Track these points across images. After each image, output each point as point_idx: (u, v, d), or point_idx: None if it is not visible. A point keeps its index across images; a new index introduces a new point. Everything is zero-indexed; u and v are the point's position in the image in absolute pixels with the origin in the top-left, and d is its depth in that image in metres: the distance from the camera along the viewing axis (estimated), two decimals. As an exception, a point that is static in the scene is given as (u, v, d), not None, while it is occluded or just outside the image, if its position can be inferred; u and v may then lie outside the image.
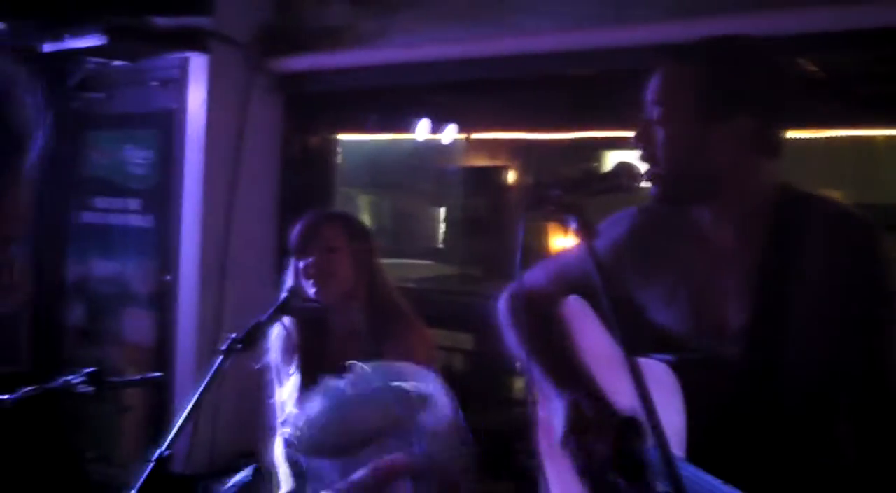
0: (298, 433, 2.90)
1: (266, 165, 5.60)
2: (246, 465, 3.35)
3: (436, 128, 6.50)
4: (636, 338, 2.01)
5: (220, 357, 2.84)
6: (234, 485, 3.22)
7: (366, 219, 9.89)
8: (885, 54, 3.86)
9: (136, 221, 5.83)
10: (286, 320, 3.32)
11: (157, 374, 4.21)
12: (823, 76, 4.17)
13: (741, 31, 2.35)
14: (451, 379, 3.05)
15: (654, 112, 2.30)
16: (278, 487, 3.24)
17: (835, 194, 2.41)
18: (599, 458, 2.45)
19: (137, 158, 5.82)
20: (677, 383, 2.18)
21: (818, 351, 2.21)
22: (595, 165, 7.39)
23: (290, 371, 3.48)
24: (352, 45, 5.16)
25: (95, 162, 6.07)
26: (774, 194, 2.30)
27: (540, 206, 2.10)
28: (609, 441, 2.42)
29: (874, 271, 2.20)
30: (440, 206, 10.38)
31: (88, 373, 3.12)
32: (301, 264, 3.40)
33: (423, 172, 9.82)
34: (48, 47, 5.25)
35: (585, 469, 2.48)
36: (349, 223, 3.53)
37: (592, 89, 5.03)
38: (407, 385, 2.83)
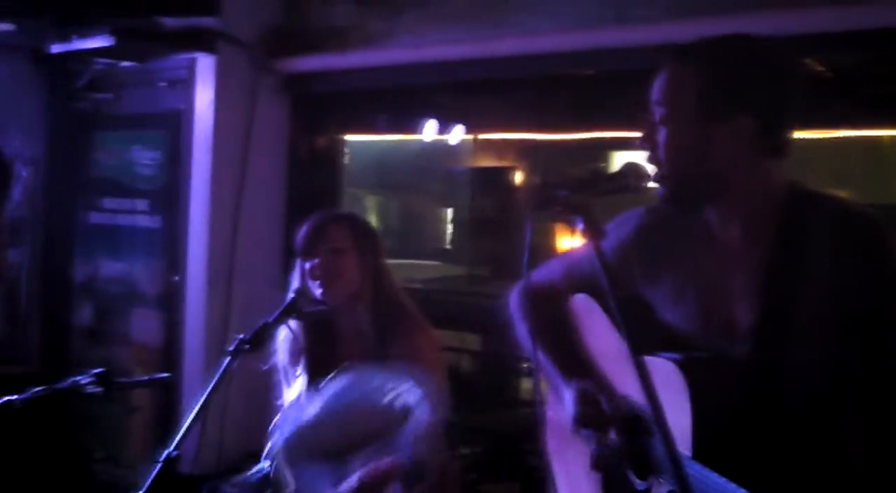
0: (285, 441, 2.92)
1: (273, 165, 5.60)
2: (253, 465, 3.35)
3: (443, 128, 6.50)
4: (643, 337, 2.01)
5: (228, 358, 2.85)
6: (255, 473, 3.22)
7: (373, 220, 9.90)
8: (892, 54, 3.85)
9: (144, 221, 5.84)
10: (292, 321, 3.32)
11: (165, 375, 4.23)
12: (830, 76, 4.17)
13: (746, 31, 2.34)
14: (459, 380, 3.06)
15: (658, 112, 2.30)
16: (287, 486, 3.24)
17: (842, 194, 2.40)
18: (610, 446, 2.45)
19: (145, 158, 5.83)
20: (684, 382, 2.18)
21: (826, 350, 2.21)
22: (602, 165, 7.37)
23: (297, 372, 3.48)
24: (359, 45, 5.16)
25: (103, 163, 6.08)
26: (782, 193, 2.29)
27: (547, 206, 2.10)
28: (617, 430, 2.42)
29: (882, 270, 2.19)
30: (447, 206, 10.38)
31: (96, 374, 3.13)
32: (307, 266, 3.39)
33: (430, 173, 9.82)
34: (56, 48, 5.27)
35: (598, 458, 2.48)
36: (355, 224, 3.52)
37: (599, 89, 5.02)
38: (389, 397, 2.84)
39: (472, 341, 6.33)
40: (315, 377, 3.42)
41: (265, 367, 3.47)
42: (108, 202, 6.04)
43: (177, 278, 5.57)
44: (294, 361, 3.49)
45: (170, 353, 5.62)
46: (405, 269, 7.58)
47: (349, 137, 6.12)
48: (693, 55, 2.30)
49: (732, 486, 1.99)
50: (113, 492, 5.85)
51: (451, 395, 3.40)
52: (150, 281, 5.81)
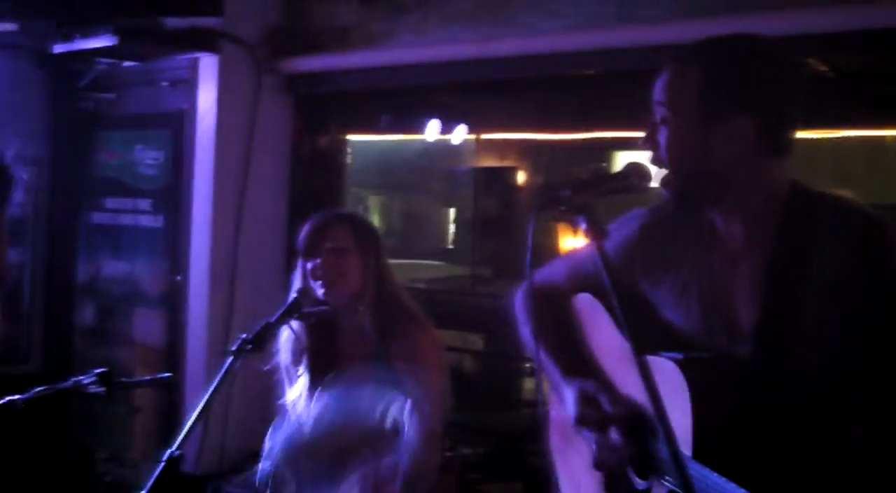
0: (284, 446, 2.93)
1: (276, 165, 5.60)
2: (255, 465, 3.36)
3: (446, 128, 6.49)
4: (646, 336, 2.01)
5: (231, 358, 2.85)
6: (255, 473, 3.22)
7: (376, 220, 9.91)
8: (895, 54, 3.84)
9: (147, 221, 5.84)
10: (294, 321, 3.32)
11: (168, 374, 4.22)
12: (832, 76, 4.16)
13: (749, 31, 2.34)
14: (461, 380, 3.07)
15: (660, 113, 2.30)
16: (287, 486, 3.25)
17: (844, 194, 2.40)
18: (611, 446, 2.45)
19: (148, 158, 5.83)
20: (685, 382, 2.18)
21: (828, 351, 2.21)
22: (605, 165, 7.38)
23: (299, 372, 3.48)
24: (361, 45, 5.16)
25: (105, 162, 6.08)
26: (784, 193, 2.29)
27: (550, 206, 2.10)
28: (619, 430, 2.42)
29: (885, 270, 2.19)
30: (450, 206, 10.37)
31: (99, 373, 3.14)
32: (309, 266, 3.39)
33: (432, 173, 9.81)
34: (59, 48, 5.27)
35: (600, 459, 2.48)
36: (357, 224, 3.52)
37: (603, 89, 5.02)
38: (379, 413, 2.84)
39: (475, 341, 6.32)
40: (317, 377, 3.43)
41: (267, 367, 3.47)
42: (111, 202, 6.04)
43: (179, 277, 5.57)
44: (296, 360, 3.49)
45: (172, 353, 5.61)
46: (408, 269, 7.58)
47: (352, 137, 6.11)
48: (695, 55, 2.30)
49: (732, 486, 1.99)
50: (116, 492, 5.85)
51: (453, 395, 3.41)
52: (153, 281, 5.81)
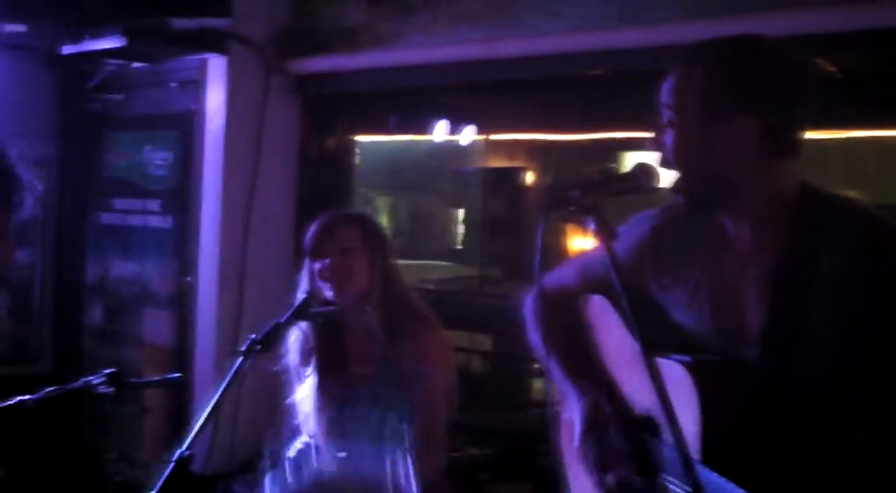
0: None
1: (284, 166, 5.61)
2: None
3: (454, 129, 6.48)
4: (656, 338, 2.01)
5: (240, 358, 2.85)
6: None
7: (384, 220, 9.90)
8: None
9: (156, 222, 5.84)
10: (303, 321, 3.32)
11: (177, 375, 4.23)
12: (841, 77, 4.16)
13: (756, 32, 2.34)
14: (470, 381, 3.07)
15: (666, 114, 2.30)
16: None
17: (853, 195, 2.39)
18: (615, 456, 2.45)
19: (157, 159, 5.84)
20: (694, 385, 2.18)
21: (836, 353, 2.20)
22: (614, 166, 7.35)
23: (307, 373, 3.49)
24: (369, 46, 5.16)
25: (114, 163, 6.09)
26: (793, 195, 2.28)
27: (559, 207, 2.10)
28: (624, 439, 2.42)
29: (891, 271, 2.18)
30: (459, 207, 10.37)
31: (108, 374, 3.14)
32: (317, 266, 3.39)
33: (441, 174, 9.82)
34: (67, 49, 5.28)
35: (599, 467, 2.49)
36: (364, 224, 3.51)
37: (611, 90, 5.01)
38: (382, 477, 2.84)
39: (484, 341, 6.32)
40: (325, 377, 3.43)
41: (276, 367, 3.47)
42: (120, 203, 6.05)
43: (188, 278, 5.57)
44: (305, 361, 3.49)
45: (181, 353, 5.62)
46: (417, 269, 7.58)
47: (360, 138, 6.12)
48: (699, 56, 2.30)
49: (731, 486, 1.99)
50: (125, 492, 5.86)
51: (461, 395, 3.41)
52: (162, 281, 5.82)
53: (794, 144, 2.27)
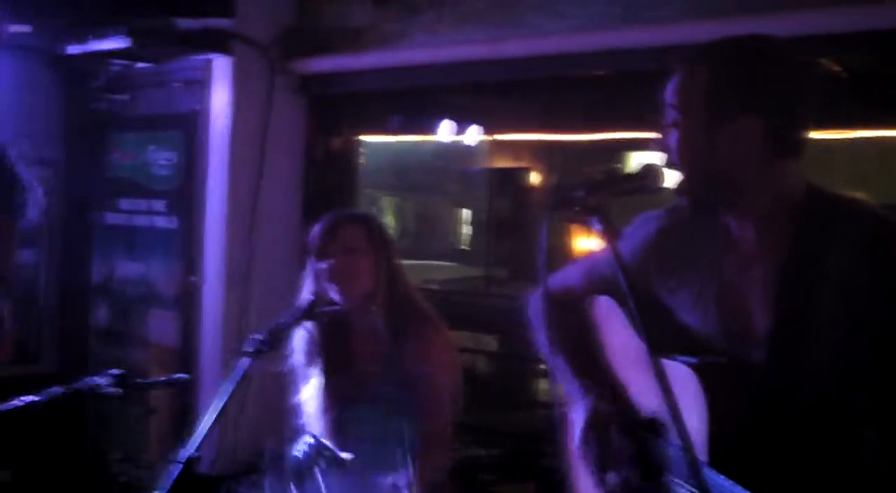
0: None
1: (289, 166, 5.61)
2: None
3: (459, 129, 6.49)
4: (662, 339, 2.01)
5: (246, 359, 2.85)
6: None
7: (390, 221, 9.91)
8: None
9: (161, 222, 5.84)
10: (308, 322, 3.32)
11: (183, 375, 4.22)
12: (845, 77, 4.15)
13: (760, 32, 2.34)
14: (475, 381, 3.07)
15: (671, 114, 2.29)
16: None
17: (859, 195, 2.39)
18: (615, 456, 2.45)
19: (161, 159, 5.84)
20: (700, 387, 2.17)
21: (844, 355, 2.19)
22: (619, 166, 7.37)
23: (313, 373, 3.48)
24: (374, 46, 5.16)
25: (119, 164, 6.10)
26: (798, 195, 2.28)
27: (564, 207, 2.10)
28: (627, 440, 2.42)
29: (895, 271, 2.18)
30: (464, 207, 10.39)
31: (114, 375, 3.13)
32: (321, 266, 3.38)
33: (446, 174, 9.83)
34: (72, 49, 5.29)
35: (599, 466, 2.48)
36: (369, 224, 3.50)
37: (616, 90, 5.01)
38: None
39: (489, 342, 6.33)
40: (330, 378, 3.43)
41: (281, 368, 3.47)
42: (125, 203, 6.06)
43: (194, 278, 5.57)
44: (310, 361, 3.49)
45: (187, 354, 5.62)
46: (422, 270, 7.59)
47: (365, 138, 6.12)
48: (703, 56, 2.29)
49: (738, 489, 1.98)
50: (130, 492, 5.86)
51: (466, 396, 3.41)
52: (167, 282, 5.82)
53: (798, 144, 2.26)
